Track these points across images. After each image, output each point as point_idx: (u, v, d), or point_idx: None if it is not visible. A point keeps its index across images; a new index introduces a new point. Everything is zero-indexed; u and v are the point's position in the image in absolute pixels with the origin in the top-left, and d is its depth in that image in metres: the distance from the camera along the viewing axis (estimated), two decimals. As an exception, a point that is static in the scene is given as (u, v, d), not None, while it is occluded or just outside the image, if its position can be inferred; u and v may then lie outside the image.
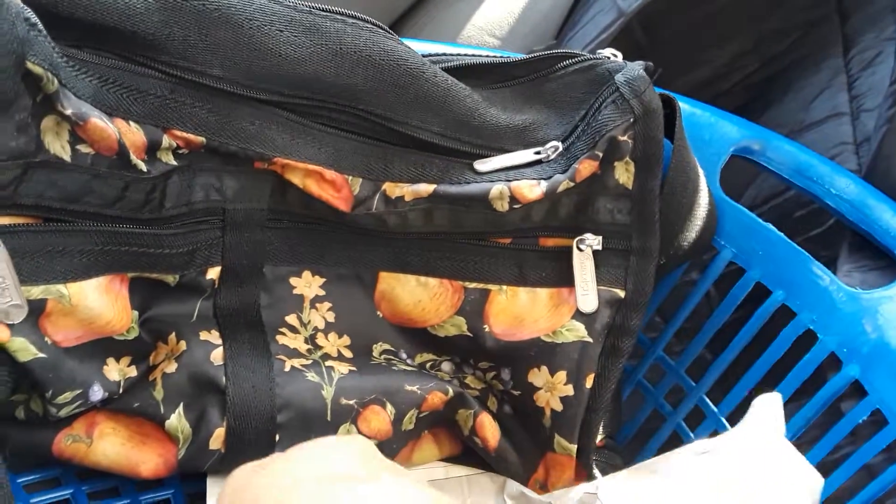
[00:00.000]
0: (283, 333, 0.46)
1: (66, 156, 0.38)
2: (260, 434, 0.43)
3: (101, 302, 0.41)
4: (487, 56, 0.47)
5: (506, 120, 0.45)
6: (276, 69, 0.41)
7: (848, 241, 0.50)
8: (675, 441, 0.52)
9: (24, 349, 0.39)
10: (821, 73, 0.60)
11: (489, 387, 0.49)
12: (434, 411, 0.47)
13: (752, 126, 0.49)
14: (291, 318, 0.46)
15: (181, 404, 0.43)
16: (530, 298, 0.46)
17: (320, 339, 0.47)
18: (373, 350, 0.47)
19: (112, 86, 0.40)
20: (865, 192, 0.47)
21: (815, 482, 0.40)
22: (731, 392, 0.49)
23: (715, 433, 0.50)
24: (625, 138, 0.43)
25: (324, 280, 0.47)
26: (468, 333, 0.46)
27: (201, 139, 0.41)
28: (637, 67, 0.44)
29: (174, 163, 0.42)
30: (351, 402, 0.45)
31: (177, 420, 0.43)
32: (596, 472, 0.48)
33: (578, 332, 0.45)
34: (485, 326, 0.46)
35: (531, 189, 0.43)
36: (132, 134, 0.40)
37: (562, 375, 0.46)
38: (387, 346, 0.48)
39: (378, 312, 0.47)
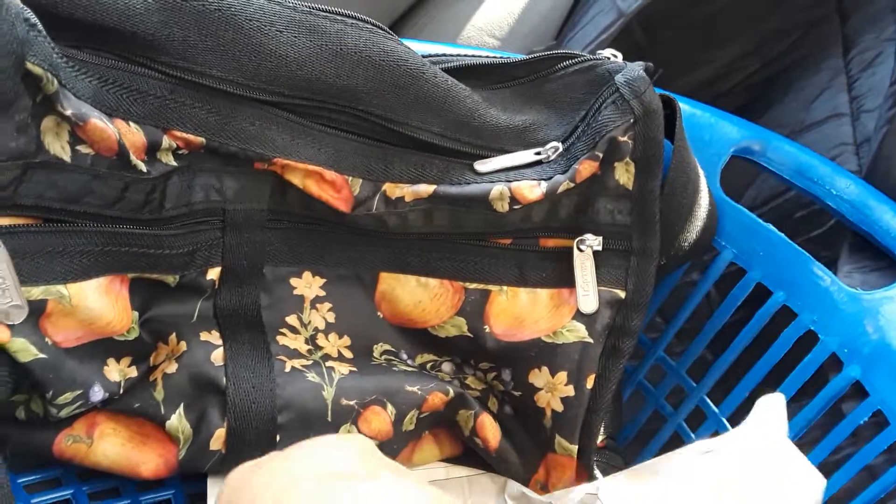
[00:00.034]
0: (284, 334, 0.46)
1: (66, 156, 0.38)
2: (260, 434, 0.43)
3: (101, 302, 0.41)
4: (487, 57, 0.47)
5: (506, 120, 0.45)
6: (277, 70, 0.41)
7: (848, 241, 0.50)
8: (676, 442, 0.52)
9: (25, 350, 0.39)
10: (821, 74, 0.60)
11: (490, 387, 0.49)
12: (435, 412, 0.47)
13: (753, 127, 0.49)
14: (292, 319, 0.46)
15: (182, 405, 0.43)
16: (531, 299, 0.46)
17: (321, 340, 0.47)
18: (373, 350, 0.47)
19: (112, 86, 0.40)
20: (866, 192, 0.47)
21: (817, 483, 0.40)
22: (732, 393, 0.49)
23: (716, 434, 0.50)
24: (625, 139, 0.43)
25: (324, 280, 0.47)
26: (468, 334, 0.46)
27: (201, 140, 0.41)
28: (637, 68, 0.44)
29: (174, 163, 0.42)
30: (351, 402, 0.45)
31: (177, 420, 0.43)
32: (597, 472, 0.48)
33: (579, 332, 0.45)
34: (485, 327, 0.46)
35: (531, 190, 0.43)
36: (132, 134, 0.40)
37: (562, 376, 0.46)
38: (387, 347, 0.48)
39: (378, 313, 0.47)
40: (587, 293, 0.45)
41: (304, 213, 0.45)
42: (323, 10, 0.42)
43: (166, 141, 0.41)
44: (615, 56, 0.45)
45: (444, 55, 0.46)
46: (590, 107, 0.44)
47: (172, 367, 0.43)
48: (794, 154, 0.48)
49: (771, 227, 0.47)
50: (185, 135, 0.41)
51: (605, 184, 0.44)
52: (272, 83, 0.41)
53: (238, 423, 0.43)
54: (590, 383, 0.46)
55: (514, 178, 0.44)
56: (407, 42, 0.44)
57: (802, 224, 0.55)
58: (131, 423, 0.44)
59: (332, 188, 0.44)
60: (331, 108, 0.43)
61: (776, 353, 0.47)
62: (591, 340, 0.45)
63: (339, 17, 0.42)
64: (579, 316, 0.45)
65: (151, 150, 0.41)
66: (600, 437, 0.48)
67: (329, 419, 0.44)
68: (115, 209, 0.41)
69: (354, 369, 0.46)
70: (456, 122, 0.44)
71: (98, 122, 0.38)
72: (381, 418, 0.45)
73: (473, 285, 0.46)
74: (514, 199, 0.43)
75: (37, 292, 0.39)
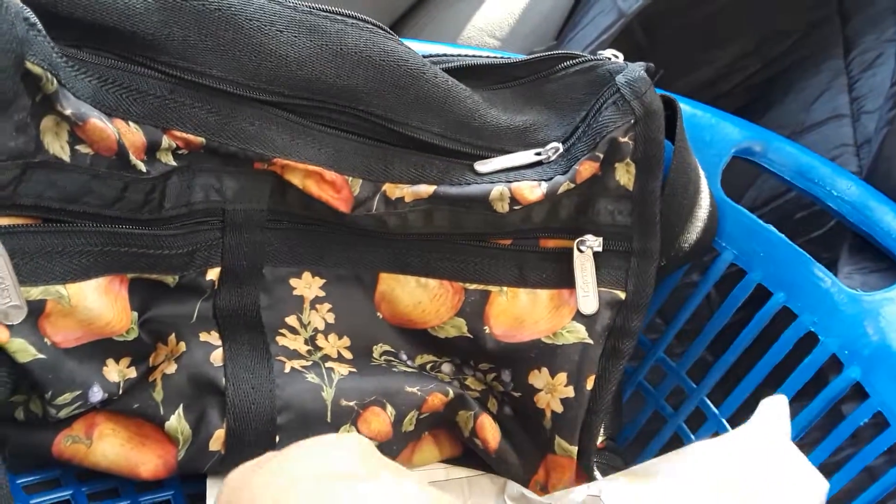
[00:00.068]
0: (283, 334, 0.46)
1: (66, 156, 0.38)
2: (260, 435, 0.43)
3: (100, 303, 0.40)
4: (488, 57, 0.47)
5: (506, 121, 0.45)
6: (277, 70, 0.41)
7: (848, 242, 0.50)
8: (676, 443, 0.52)
9: (24, 350, 0.39)
10: (821, 75, 0.60)
11: (489, 388, 0.48)
12: (434, 413, 0.47)
13: (754, 127, 0.49)
14: (291, 320, 0.46)
15: (181, 405, 0.43)
16: (531, 300, 0.46)
17: (320, 341, 0.47)
18: (373, 351, 0.47)
19: (111, 86, 0.39)
20: (867, 193, 0.47)
21: (819, 487, 0.40)
22: (733, 394, 0.49)
23: (716, 435, 0.50)
24: (625, 139, 0.43)
25: (324, 281, 0.47)
26: (468, 335, 0.46)
27: (201, 140, 0.41)
28: (638, 69, 0.44)
29: (174, 163, 0.42)
30: (351, 403, 0.45)
31: (176, 421, 0.43)
32: (597, 473, 0.48)
33: (579, 333, 0.45)
34: (485, 328, 0.46)
35: (532, 190, 0.43)
36: (131, 134, 0.40)
37: (562, 377, 0.45)
38: (387, 348, 0.48)
39: (378, 314, 0.47)
40: (587, 294, 0.45)
41: (303, 214, 0.45)
42: (323, 10, 0.42)
43: (166, 141, 0.41)
44: (616, 56, 0.45)
45: (445, 55, 0.46)
46: (590, 107, 0.44)
47: (172, 368, 0.43)
48: (795, 155, 0.48)
49: (772, 228, 0.47)
50: (184, 135, 0.41)
51: (605, 184, 0.44)
52: (272, 83, 0.41)
53: (237, 423, 0.43)
54: (590, 384, 0.45)
55: (515, 178, 0.44)
56: (407, 42, 0.44)
57: (803, 225, 0.55)
58: (130, 423, 0.43)
59: (332, 188, 0.44)
60: (331, 108, 0.43)
61: (776, 354, 0.47)
62: (591, 341, 0.45)
63: (339, 17, 0.42)
64: (579, 317, 0.45)
65: (151, 149, 0.41)
66: (600, 438, 0.48)
67: (329, 420, 0.44)
68: (114, 209, 0.40)
69: (354, 370, 0.46)
70: (456, 123, 0.44)
71: (97, 121, 0.38)
72: (380, 419, 0.45)
73: (473, 286, 0.46)
74: (514, 200, 0.43)
75: (36, 292, 0.39)
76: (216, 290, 0.45)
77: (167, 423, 0.43)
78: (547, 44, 0.68)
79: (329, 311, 0.47)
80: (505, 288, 0.46)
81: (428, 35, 0.70)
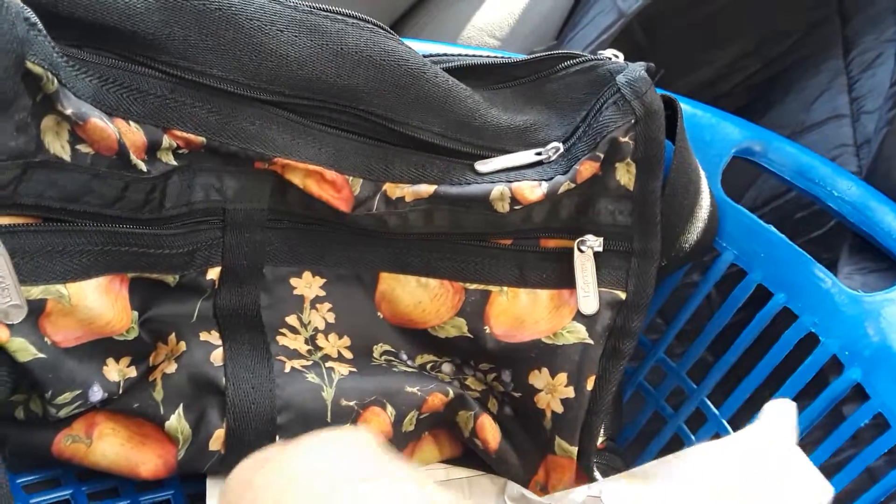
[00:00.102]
0: (284, 334, 0.46)
1: (66, 156, 0.38)
2: (260, 435, 0.43)
3: (100, 302, 0.40)
4: (488, 56, 0.47)
5: (507, 121, 0.45)
6: (277, 69, 0.41)
7: (848, 243, 0.50)
8: (677, 443, 0.52)
9: (24, 349, 0.39)
10: (821, 75, 0.60)
11: (490, 388, 0.48)
12: (434, 413, 0.47)
13: (754, 127, 0.49)
14: (292, 319, 0.46)
15: (181, 405, 0.43)
16: (531, 300, 0.46)
17: (320, 340, 0.47)
18: (373, 351, 0.47)
19: (112, 85, 0.39)
20: (867, 194, 0.47)
21: (824, 493, 0.40)
22: (733, 394, 0.49)
23: (717, 436, 0.50)
24: (626, 139, 0.43)
25: (324, 281, 0.47)
26: (469, 335, 0.46)
27: (201, 139, 0.41)
28: (638, 68, 0.44)
29: (174, 163, 0.42)
30: (351, 403, 0.45)
31: (176, 421, 0.43)
32: (597, 474, 0.48)
33: (579, 333, 0.45)
34: (485, 328, 0.46)
35: (532, 190, 0.43)
36: (132, 134, 0.40)
37: (562, 377, 0.45)
38: (387, 348, 0.48)
39: (378, 313, 0.47)
40: (588, 294, 0.45)
41: (304, 213, 0.45)
42: (323, 10, 0.42)
43: (166, 140, 0.41)
44: (616, 56, 0.45)
45: (445, 55, 0.46)
46: (591, 107, 0.44)
47: (172, 368, 0.43)
48: (796, 155, 0.48)
49: (772, 228, 0.47)
50: (185, 134, 0.41)
51: (606, 184, 0.44)
52: (273, 83, 0.41)
53: (237, 423, 0.43)
54: (590, 385, 0.45)
55: (515, 178, 0.44)
56: (408, 42, 0.44)
57: (802, 225, 0.55)
58: (130, 423, 0.43)
59: (333, 188, 0.44)
60: (331, 107, 0.43)
61: (777, 355, 0.47)
62: (591, 342, 0.45)
63: (339, 17, 0.42)
64: (580, 317, 0.45)
65: (151, 149, 0.41)
66: (600, 439, 0.48)
67: (329, 420, 0.44)
68: (114, 208, 0.40)
69: (354, 370, 0.46)
70: (457, 122, 0.44)
71: (98, 121, 0.38)
72: (380, 419, 0.45)
73: (473, 286, 0.46)
74: (514, 200, 0.43)
75: (36, 292, 0.39)
76: (216, 289, 0.45)
77: (167, 423, 0.43)
78: (547, 44, 0.68)
79: (329, 310, 0.47)
80: (505, 288, 0.46)
81: (428, 35, 0.70)
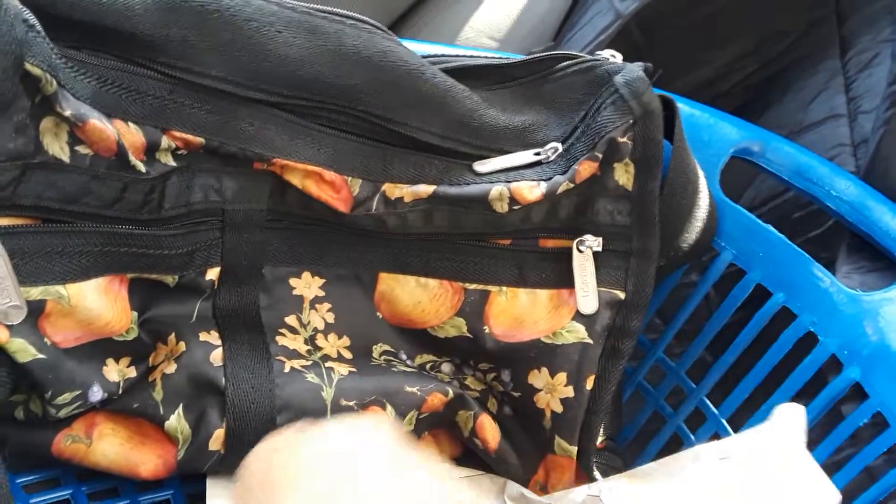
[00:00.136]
0: (283, 334, 0.46)
1: (65, 157, 0.38)
2: (260, 435, 0.43)
3: (100, 303, 0.40)
4: (487, 57, 0.47)
5: (505, 121, 0.45)
6: (276, 70, 0.41)
7: (846, 242, 0.50)
8: (676, 443, 0.52)
9: (24, 350, 0.39)
10: (818, 75, 0.60)
11: (489, 388, 0.49)
12: (434, 413, 0.47)
13: (752, 127, 0.49)
14: (291, 319, 0.46)
15: (180, 405, 0.43)
16: (530, 300, 0.46)
17: (320, 340, 0.47)
18: (373, 351, 0.47)
19: (111, 87, 0.40)
20: (865, 193, 0.47)
21: (832, 499, 0.40)
22: (732, 394, 0.49)
23: (716, 435, 0.50)
24: (624, 140, 0.43)
25: (323, 281, 0.47)
26: (468, 335, 0.46)
27: (200, 140, 0.41)
28: (636, 69, 0.44)
29: (173, 164, 0.42)
30: (351, 403, 0.45)
31: (176, 421, 0.43)
32: (596, 474, 0.48)
33: (578, 333, 0.45)
34: (485, 328, 0.46)
35: (531, 190, 0.43)
36: (131, 135, 0.40)
37: (562, 377, 0.45)
38: (387, 348, 0.48)
39: (378, 313, 0.47)
40: (587, 294, 0.45)
41: (303, 214, 0.45)
42: (322, 11, 0.42)
43: (165, 141, 0.41)
44: (614, 57, 0.45)
45: (444, 56, 0.46)
46: (589, 107, 0.44)
47: (171, 368, 0.43)
48: (794, 155, 0.48)
49: (771, 228, 0.47)
50: (184, 135, 0.41)
51: (604, 184, 0.44)
52: (271, 83, 0.41)
53: (237, 423, 0.43)
54: (589, 384, 0.46)
55: (514, 178, 0.44)
56: (406, 43, 0.44)
57: (801, 225, 0.55)
58: (130, 423, 0.43)
59: (332, 188, 0.44)
60: (330, 108, 0.43)
61: (776, 354, 0.47)
62: (590, 341, 0.45)
63: (337, 18, 0.42)
64: (579, 317, 0.45)
65: (150, 150, 0.41)
66: (600, 439, 0.48)
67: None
68: (113, 209, 0.41)
69: (354, 370, 0.46)
70: (455, 123, 0.44)
71: (97, 122, 0.38)
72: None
73: (473, 286, 0.46)
74: (513, 200, 0.43)
75: (36, 292, 0.39)
76: (216, 289, 0.45)
77: (167, 423, 0.43)
78: (545, 44, 0.69)
79: (329, 310, 0.47)
80: (504, 288, 0.46)
81: (426, 36, 0.70)
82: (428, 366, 0.48)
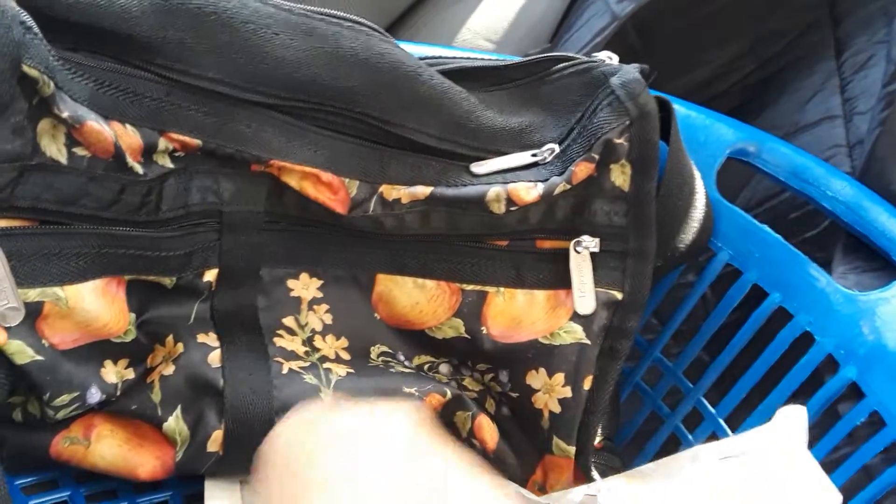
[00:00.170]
0: (281, 336, 0.46)
1: (63, 158, 0.38)
2: (258, 436, 0.43)
3: (97, 304, 0.41)
4: (483, 59, 0.47)
5: (502, 122, 0.45)
6: (273, 72, 0.41)
7: (842, 242, 0.50)
8: (674, 442, 0.52)
9: (21, 352, 0.39)
10: (814, 76, 0.60)
11: (487, 389, 0.49)
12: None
13: (748, 128, 0.49)
14: (289, 321, 0.46)
15: (179, 406, 0.43)
16: (528, 300, 0.46)
17: (318, 342, 0.47)
18: (370, 352, 0.47)
19: (108, 88, 0.40)
20: (861, 194, 0.47)
21: (832, 499, 0.40)
22: (729, 394, 0.49)
23: (713, 435, 0.50)
24: (621, 141, 0.43)
25: (321, 282, 0.47)
26: (466, 335, 0.46)
27: (197, 142, 0.41)
28: (632, 70, 0.44)
29: (170, 165, 0.42)
30: (348, 404, 0.45)
31: (174, 422, 0.43)
32: (594, 474, 0.48)
33: (576, 333, 0.45)
34: (482, 328, 0.46)
35: (528, 191, 0.43)
36: (128, 136, 0.40)
37: (560, 377, 0.46)
38: (384, 349, 0.48)
39: (375, 314, 0.47)
40: (584, 294, 0.45)
41: (300, 215, 0.45)
42: (319, 13, 0.42)
43: (162, 143, 0.41)
44: (611, 58, 0.46)
45: (441, 57, 0.46)
46: (585, 109, 0.44)
47: (169, 369, 0.43)
48: (789, 156, 0.48)
49: (767, 228, 0.48)
50: (181, 137, 0.41)
51: (601, 185, 0.45)
52: (268, 85, 0.42)
53: (235, 424, 0.43)
54: (587, 384, 0.46)
55: (511, 179, 0.44)
56: (403, 45, 0.44)
57: (797, 225, 0.55)
58: (128, 424, 0.43)
59: (329, 190, 0.44)
60: (327, 110, 0.43)
61: (773, 354, 0.47)
62: (588, 342, 0.45)
63: (335, 20, 0.42)
64: (576, 317, 0.45)
65: (148, 152, 0.41)
66: (598, 439, 0.48)
67: (326, 421, 0.44)
68: (111, 211, 0.41)
69: (352, 371, 0.46)
70: (453, 124, 0.44)
71: (94, 124, 0.38)
72: (378, 420, 0.45)
73: (470, 287, 0.46)
74: (510, 201, 0.43)
75: (33, 294, 0.39)
76: (213, 291, 0.45)
77: (165, 425, 0.43)
78: (541, 46, 0.69)
79: (327, 312, 0.47)
80: (502, 289, 0.46)
81: (423, 38, 0.70)
82: (426, 367, 0.48)
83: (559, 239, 0.46)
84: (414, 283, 0.46)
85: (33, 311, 0.39)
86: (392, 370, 0.47)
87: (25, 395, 0.42)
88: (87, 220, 0.40)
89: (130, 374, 0.44)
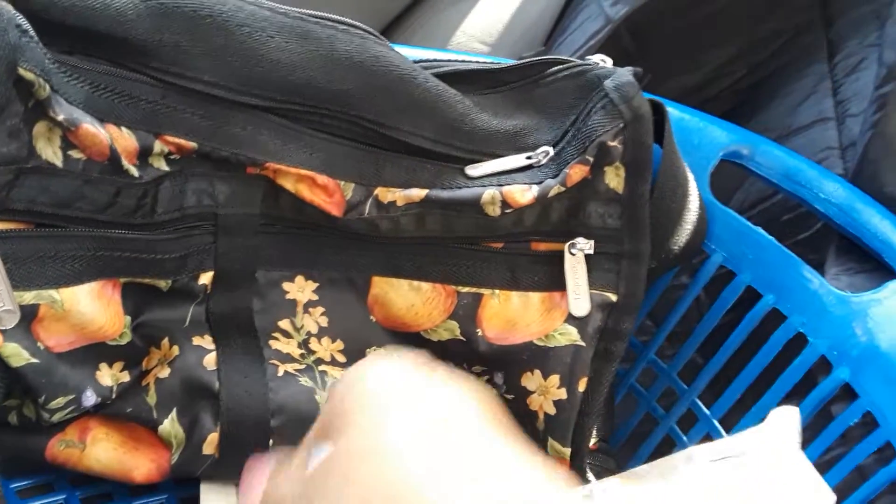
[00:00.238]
0: (276, 338, 0.46)
1: (58, 161, 0.38)
2: (253, 439, 0.43)
3: (93, 307, 0.40)
4: (478, 62, 0.47)
5: (497, 125, 0.45)
6: (268, 75, 0.41)
7: (835, 244, 0.50)
8: (668, 444, 0.52)
9: (17, 354, 0.39)
10: (806, 79, 0.61)
11: (482, 391, 0.49)
12: (427, 415, 0.47)
13: (741, 131, 0.50)
14: (284, 323, 0.46)
15: (174, 409, 0.43)
16: (523, 302, 0.46)
17: (313, 344, 0.47)
18: (366, 354, 0.47)
19: (103, 91, 0.40)
20: (853, 196, 0.47)
21: (825, 500, 0.40)
22: (723, 395, 0.50)
23: (708, 436, 0.50)
24: (615, 143, 0.43)
25: (316, 285, 0.47)
26: (461, 338, 0.46)
27: (193, 144, 0.42)
28: (626, 73, 0.44)
29: (166, 168, 0.42)
30: (344, 406, 0.45)
31: (170, 425, 0.43)
32: (589, 475, 0.48)
33: (571, 335, 0.46)
34: (478, 330, 0.46)
35: (522, 194, 0.44)
36: (124, 139, 0.40)
37: (555, 379, 0.46)
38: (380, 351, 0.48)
39: (371, 317, 0.47)
40: (579, 297, 0.46)
41: (296, 218, 0.45)
42: (314, 16, 0.42)
43: (158, 146, 0.41)
44: (604, 61, 0.46)
45: (435, 60, 0.46)
46: (580, 112, 0.44)
47: (165, 372, 0.43)
48: (782, 158, 0.49)
49: (760, 230, 0.48)
50: (176, 140, 0.41)
51: (595, 188, 0.45)
52: (264, 88, 0.42)
53: (231, 427, 0.43)
54: (582, 386, 0.46)
55: (506, 182, 0.44)
56: (398, 48, 0.44)
57: (790, 227, 0.55)
58: (124, 427, 0.43)
59: (325, 192, 0.44)
60: (322, 112, 0.43)
61: (766, 355, 0.48)
62: (583, 343, 0.45)
63: (330, 23, 0.42)
64: (571, 319, 0.46)
65: (143, 154, 0.41)
66: (593, 440, 0.48)
67: (322, 423, 0.44)
68: (106, 214, 0.41)
69: (347, 373, 0.46)
70: (447, 127, 0.44)
71: (90, 127, 0.38)
72: (373, 422, 0.45)
73: (466, 289, 0.46)
74: (505, 203, 0.44)
75: (29, 297, 0.39)
76: (209, 294, 0.45)
77: (160, 427, 0.43)
78: (535, 49, 0.69)
79: (322, 314, 0.47)
80: (497, 291, 0.46)
81: (418, 41, 0.70)
82: (421, 369, 0.48)
83: (554, 241, 0.46)
84: (409, 285, 0.46)
85: (29, 314, 0.39)
86: (388, 372, 0.47)
87: (21, 398, 0.42)
88: (83, 222, 0.40)
89: (126, 377, 0.44)
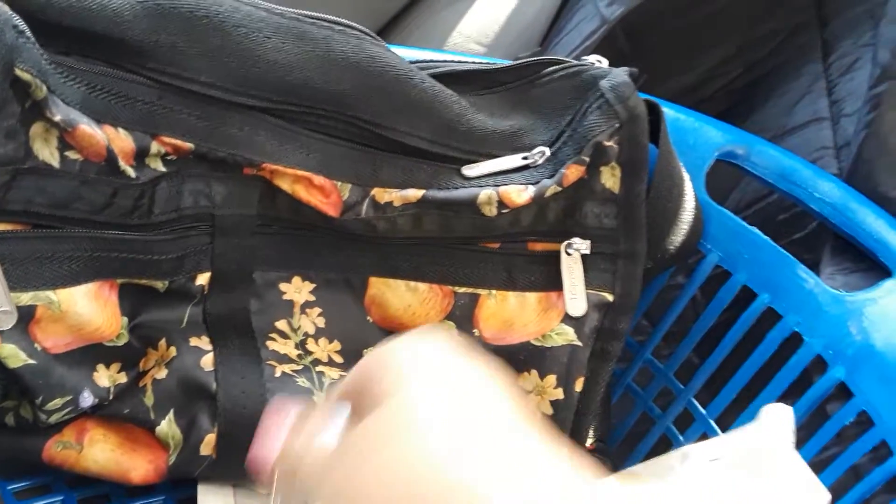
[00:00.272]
0: (274, 339, 0.46)
1: (55, 162, 0.38)
2: (251, 439, 0.43)
3: (90, 308, 0.40)
4: (474, 62, 0.47)
5: (493, 125, 0.45)
6: (265, 76, 0.41)
7: (830, 244, 0.50)
8: (665, 444, 0.52)
9: (14, 356, 0.39)
10: (801, 79, 0.61)
11: (479, 391, 0.49)
12: (424, 416, 0.47)
13: (736, 131, 0.50)
14: (281, 324, 0.46)
15: (171, 410, 0.43)
16: (519, 303, 0.46)
17: (311, 345, 0.47)
18: (363, 355, 0.47)
19: (100, 92, 0.40)
20: (848, 195, 0.47)
21: (821, 500, 0.40)
22: (720, 395, 0.50)
23: (704, 436, 0.50)
24: (611, 143, 0.43)
25: (314, 286, 0.47)
26: (458, 338, 0.46)
27: (190, 145, 0.42)
28: (622, 73, 0.44)
29: (163, 169, 0.42)
30: (341, 407, 0.45)
31: (167, 426, 0.43)
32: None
33: (567, 335, 0.46)
34: (474, 331, 0.46)
35: (519, 194, 0.44)
36: (120, 140, 0.40)
37: (551, 379, 0.46)
38: (377, 351, 0.48)
39: (368, 317, 0.47)
40: (575, 296, 0.46)
41: (293, 219, 0.45)
42: (310, 17, 0.42)
43: (155, 146, 0.41)
44: (600, 62, 0.46)
45: (432, 61, 0.46)
46: (576, 112, 0.45)
47: (162, 373, 0.43)
48: (778, 158, 0.49)
49: (756, 230, 0.48)
50: (173, 140, 0.41)
51: (591, 188, 0.45)
52: (260, 89, 0.42)
53: (228, 427, 0.43)
54: (579, 386, 0.46)
55: (502, 182, 0.44)
56: (394, 48, 0.44)
57: (785, 227, 0.55)
58: (121, 428, 0.43)
59: (321, 193, 0.44)
60: (319, 113, 0.43)
61: (762, 354, 0.48)
62: (579, 343, 0.46)
63: (326, 24, 0.43)
64: (568, 319, 0.46)
65: (140, 155, 0.41)
66: (589, 440, 0.48)
67: (319, 424, 0.44)
68: (103, 215, 0.41)
69: (344, 374, 0.46)
70: (444, 127, 0.44)
71: (87, 127, 0.38)
72: (371, 423, 0.45)
73: (462, 289, 0.46)
74: (502, 204, 0.44)
75: (26, 298, 0.39)
76: (206, 295, 0.45)
77: (158, 428, 0.43)
78: (531, 50, 0.69)
79: (319, 315, 0.47)
80: (494, 291, 0.46)
81: (414, 42, 0.70)
82: (418, 369, 0.48)
83: (550, 241, 0.46)
84: (406, 286, 0.46)
85: (26, 315, 0.39)
86: (385, 372, 0.47)
87: (18, 400, 0.42)
88: (80, 223, 0.40)
89: (123, 378, 0.44)
